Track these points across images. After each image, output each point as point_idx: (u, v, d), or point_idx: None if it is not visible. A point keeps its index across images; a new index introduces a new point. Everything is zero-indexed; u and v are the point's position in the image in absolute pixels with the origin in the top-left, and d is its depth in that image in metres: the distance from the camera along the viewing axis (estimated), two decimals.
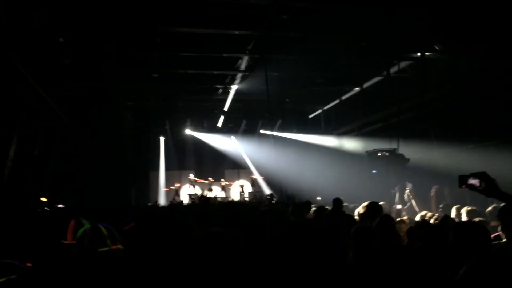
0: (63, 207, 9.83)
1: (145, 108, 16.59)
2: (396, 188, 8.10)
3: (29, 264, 1.62)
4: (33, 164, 10.07)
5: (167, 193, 18.36)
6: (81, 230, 2.29)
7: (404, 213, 6.90)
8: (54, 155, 11.37)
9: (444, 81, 10.46)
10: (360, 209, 5.07)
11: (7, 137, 8.58)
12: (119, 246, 2.27)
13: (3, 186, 8.45)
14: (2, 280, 1.51)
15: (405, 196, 7.45)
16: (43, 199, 10.47)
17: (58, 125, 11.12)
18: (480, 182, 2.85)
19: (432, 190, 7.11)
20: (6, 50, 6.99)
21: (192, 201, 14.25)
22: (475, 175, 2.87)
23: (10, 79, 7.71)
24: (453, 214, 5.64)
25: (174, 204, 12.20)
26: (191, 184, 17.67)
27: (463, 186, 2.94)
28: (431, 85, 10.80)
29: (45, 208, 9.57)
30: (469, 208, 5.39)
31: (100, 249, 2.17)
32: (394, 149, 9.61)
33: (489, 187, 2.84)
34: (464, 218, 5.27)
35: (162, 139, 19.01)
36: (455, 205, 5.85)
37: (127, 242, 4.19)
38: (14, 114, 8.74)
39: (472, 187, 2.88)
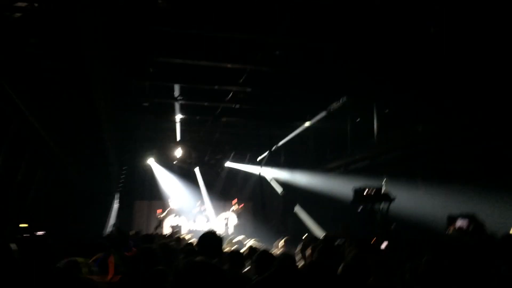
0: (44, 234, 9.55)
1: (132, 137, 16.49)
2: None
3: None
4: (15, 190, 9.83)
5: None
6: None
7: None
8: (37, 180, 11.12)
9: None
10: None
11: None
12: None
13: None
14: None
15: None
16: (23, 225, 10.18)
17: (44, 151, 10.93)
18: (469, 224, 2.82)
19: None
20: None
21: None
22: (464, 217, 2.84)
23: None
24: None
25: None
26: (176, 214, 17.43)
27: (451, 228, 2.90)
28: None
29: (24, 234, 9.28)
30: None
31: None
32: (380, 188, 9.60)
33: (477, 230, 2.79)
34: None
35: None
36: None
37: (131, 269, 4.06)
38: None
39: (460, 229, 2.83)
